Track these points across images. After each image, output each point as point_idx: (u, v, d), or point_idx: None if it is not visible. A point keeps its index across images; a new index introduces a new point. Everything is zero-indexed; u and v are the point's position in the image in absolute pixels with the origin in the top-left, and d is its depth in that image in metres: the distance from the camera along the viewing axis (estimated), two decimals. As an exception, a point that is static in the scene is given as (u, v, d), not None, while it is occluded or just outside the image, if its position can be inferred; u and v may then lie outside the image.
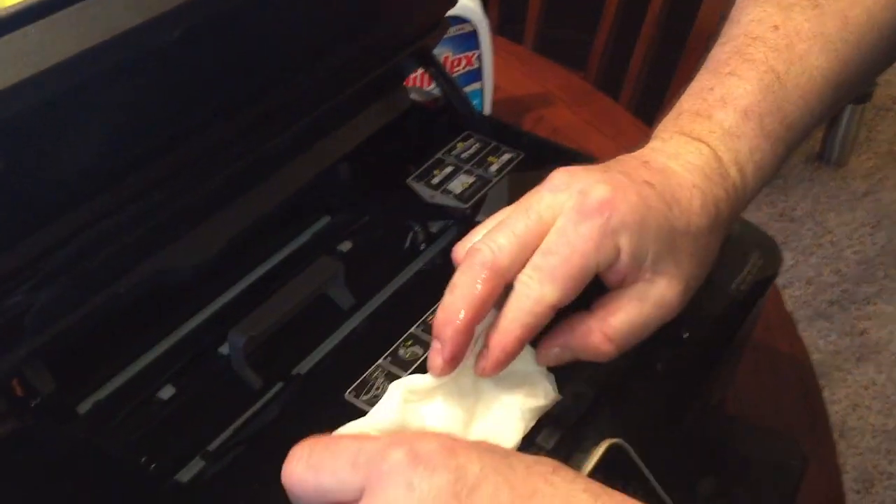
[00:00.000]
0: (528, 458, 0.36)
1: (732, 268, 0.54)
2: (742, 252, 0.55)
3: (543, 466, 0.35)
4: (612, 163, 0.44)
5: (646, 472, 0.43)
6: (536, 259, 0.39)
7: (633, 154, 0.45)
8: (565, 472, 0.35)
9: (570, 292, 0.39)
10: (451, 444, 0.34)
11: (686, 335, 0.50)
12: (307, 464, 0.35)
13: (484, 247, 0.39)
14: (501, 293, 0.39)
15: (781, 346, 0.67)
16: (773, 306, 0.69)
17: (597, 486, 0.35)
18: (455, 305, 0.38)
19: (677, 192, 0.43)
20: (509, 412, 0.41)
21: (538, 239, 0.39)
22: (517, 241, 0.39)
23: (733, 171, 0.44)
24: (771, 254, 0.55)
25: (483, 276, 0.38)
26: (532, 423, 0.42)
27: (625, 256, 0.40)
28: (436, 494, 0.32)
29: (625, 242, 0.40)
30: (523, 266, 0.39)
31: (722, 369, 0.54)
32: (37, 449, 0.44)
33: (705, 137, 0.45)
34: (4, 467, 0.43)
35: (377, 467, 0.33)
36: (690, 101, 0.47)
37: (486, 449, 0.35)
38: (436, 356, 0.38)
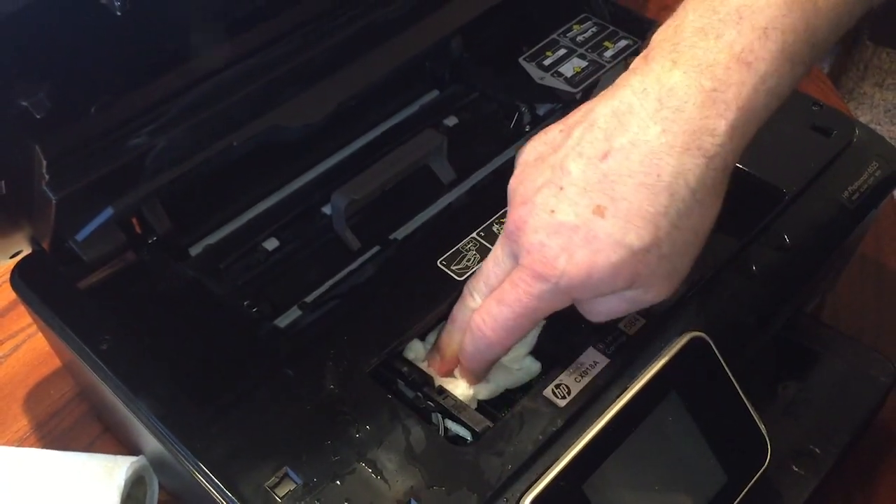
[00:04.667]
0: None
1: (846, 175, 0.52)
2: (859, 160, 0.52)
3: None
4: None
5: (725, 368, 0.43)
6: (492, 306, 0.41)
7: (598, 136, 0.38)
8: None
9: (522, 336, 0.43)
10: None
11: (788, 241, 0.49)
12: None
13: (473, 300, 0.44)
14: None
15: (890, 261, 0.64)
16: (887, 218, 0.66)
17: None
18: (453, 337, 0.45)
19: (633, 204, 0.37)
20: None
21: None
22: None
23: (722, 126, 0.37)
24: (890, 163, 0.52)
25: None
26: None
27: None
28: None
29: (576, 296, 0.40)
30: None
31: (822, 278, 0.53)
32: (151, 282, 0.47)
33: (703, 74, 0.37)
34: (121, 295, 0.46)
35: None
36: (698, 9, 0.39)
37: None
38: (436, 365, 0.46)
